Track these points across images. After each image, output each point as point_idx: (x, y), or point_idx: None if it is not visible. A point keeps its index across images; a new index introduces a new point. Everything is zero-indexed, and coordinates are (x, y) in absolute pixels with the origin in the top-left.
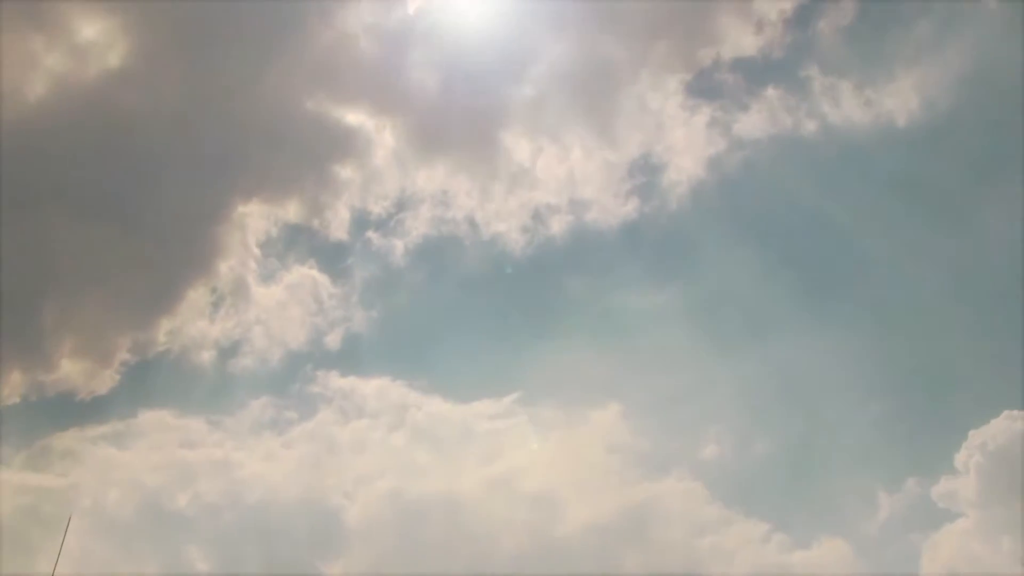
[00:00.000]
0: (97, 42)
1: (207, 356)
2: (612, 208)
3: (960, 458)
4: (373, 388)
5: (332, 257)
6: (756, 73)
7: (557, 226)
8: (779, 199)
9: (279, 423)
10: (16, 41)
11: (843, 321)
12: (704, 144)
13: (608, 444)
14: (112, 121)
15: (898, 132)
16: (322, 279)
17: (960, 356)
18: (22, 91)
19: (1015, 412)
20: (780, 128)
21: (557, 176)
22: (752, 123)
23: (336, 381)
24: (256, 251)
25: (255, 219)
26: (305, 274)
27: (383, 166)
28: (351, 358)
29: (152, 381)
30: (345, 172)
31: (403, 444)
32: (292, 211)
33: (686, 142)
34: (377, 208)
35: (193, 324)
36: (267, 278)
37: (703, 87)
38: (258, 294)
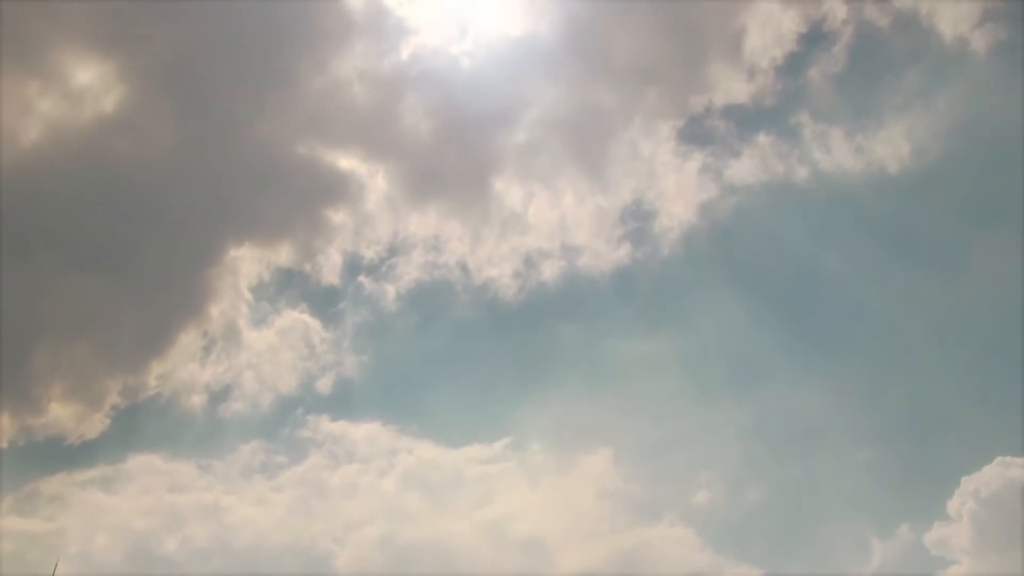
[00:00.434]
0: (91, 87)
1: (197, 400)
2: (604, 254)
3: (953, 504)
4: (364, 433)
5: (324, 301)
6: (748, 120)
7: (549, 271)
8: (770, 245)
9: (269, 467)
10: (11, 86)
11: (835, 367)
12: (696, 190)
13: (599, 489)
14: (105, 165)
15: (889, 179)
16: (313, 323)
17: (952, 402)
18: (16, 136)
19: (1008, 458)
20: (771, 174)
21: (549, 221)
22: (744, 169)
23: (327, 425)
24: (248, 295)
25: (247, 263)
26: (297, 318)
27: (375, 211)
28: (342, 403)
29: (142, 425)
30: (337, 217)
31: (393, 489)
32: (284, 255)
33: (678, 188)
34: (369, 253)
35: (184, 368)
36: (258, 322)
37: (695, 133)
38: (249, 338)
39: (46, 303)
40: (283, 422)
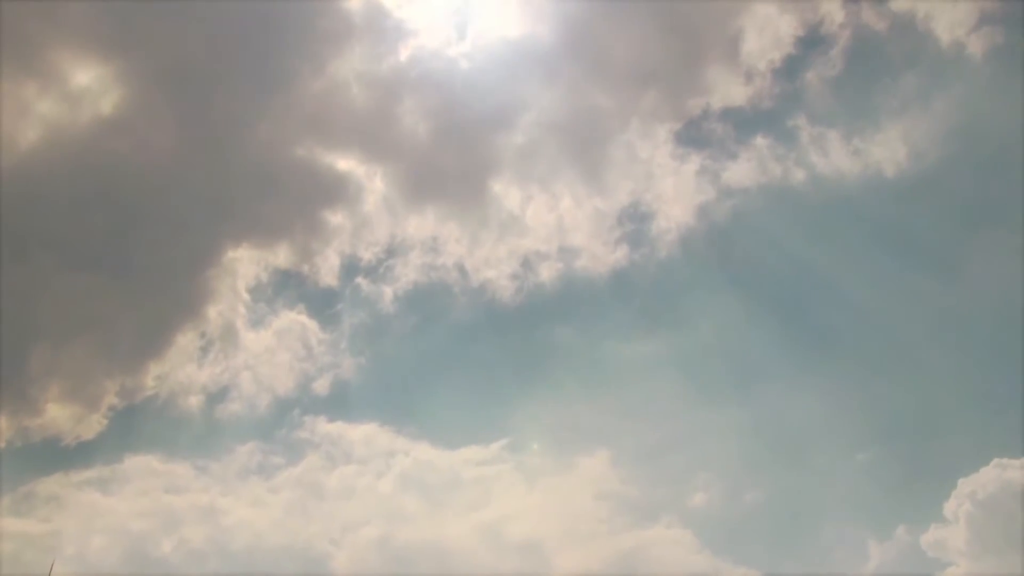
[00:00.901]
0: (90, 89)
1: (195, 401)
2: (601, 256)
3: (949, 507)
4: (360, 434)
5: (321, 303)
6: (745, 122)
7: (546, 273)
8: (768, 247)
9: (266, 468)
10: (10, 87)
11: (832, 370)
12: (693, 192)
13: (597, 491)
14: (103, 167)
15: (886, 182)
16: (311, 325)
17: (949, 404)
18: (14, 137)
19: (1005, 460)
20: (769, 177)
21: (547, 223)
22: (741, 172)
23: (324, 427)
24: (246, 296)
25: (245, 264)
26: (294, 320)
27: (373, 212)
28: (339, 404)
29: (139, 426)
30: (335, 218)
31: (390, 490)
32: (282, 256)
33: (675, 190)
34: (367, 254)
35: (181, 369)
36: (256, 323)
37: (692, 136)
38: (247, 339)
39: (44, 304)
40: (280, 423)
